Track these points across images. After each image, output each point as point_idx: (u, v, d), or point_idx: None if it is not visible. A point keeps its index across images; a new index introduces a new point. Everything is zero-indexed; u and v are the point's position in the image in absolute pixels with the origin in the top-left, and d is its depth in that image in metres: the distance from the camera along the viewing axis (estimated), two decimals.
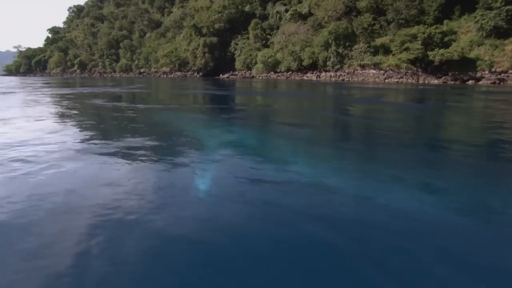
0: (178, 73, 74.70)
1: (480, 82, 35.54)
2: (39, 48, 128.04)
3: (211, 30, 67.50)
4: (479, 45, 37.79)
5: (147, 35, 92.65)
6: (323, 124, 11.46)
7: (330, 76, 46.81)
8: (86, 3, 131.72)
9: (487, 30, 37.44)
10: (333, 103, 19.74)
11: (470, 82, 36.03)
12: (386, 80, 40.74)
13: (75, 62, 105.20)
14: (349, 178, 5.35)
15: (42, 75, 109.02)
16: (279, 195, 4.42)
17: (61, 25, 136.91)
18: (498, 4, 36.70)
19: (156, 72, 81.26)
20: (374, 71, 42.59)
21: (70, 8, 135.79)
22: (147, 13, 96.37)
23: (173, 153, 6.72)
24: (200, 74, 69.00)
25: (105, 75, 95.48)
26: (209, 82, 43.56)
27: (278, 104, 19.23)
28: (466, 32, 39.87)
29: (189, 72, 72.40)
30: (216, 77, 63.36)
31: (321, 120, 12.39)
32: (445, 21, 41.20)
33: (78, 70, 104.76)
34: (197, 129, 9.98)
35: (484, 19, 37.63)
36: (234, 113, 14.60)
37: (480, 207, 4.17)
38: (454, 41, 38.84)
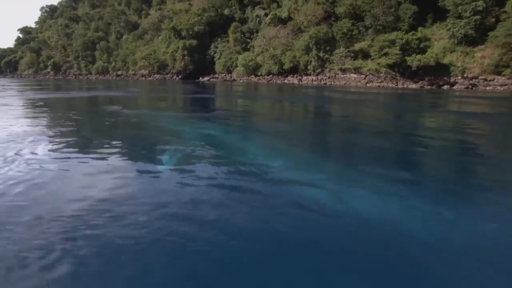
0: (157, 76, 71.87)
1: (454, 87, 36.13)
2: (9, 49, 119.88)
3: (191, 32, 65.43)
4: (451, 52, 38.46)
5: (124, 37, 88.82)
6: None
7: (312, 80, 46.22)
8: (59, 3, 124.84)
9: (458, 38, 38.17)
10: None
11: (445, 87, 36.55)
12: (368, 84, 40.68)
13: (49, 63, 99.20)
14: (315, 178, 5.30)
15: (12, 77, 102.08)
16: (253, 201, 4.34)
17: (33, 25, 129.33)
18: (467, 14, 37.46)
19: (134, 74, 77.87)
20: (355, 75, 42.43)
21: (42, 8, 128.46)
22: (124, 15, 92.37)
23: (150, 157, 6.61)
24: (180, 77, 66.78)
25: (80, 77, 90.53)
26: (192, 85, 41.90)
27: (274, 111, 18.23)
28: (439, 39, 40.54)
29: (168, 75, 69.90)
30: (196, 80, 61.51)
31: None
32: (419, 28, 41.70)
33: (51, 72, 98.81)
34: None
35: (455, 27, 38.34)
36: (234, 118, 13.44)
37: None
38: (429, 47, 39.35)
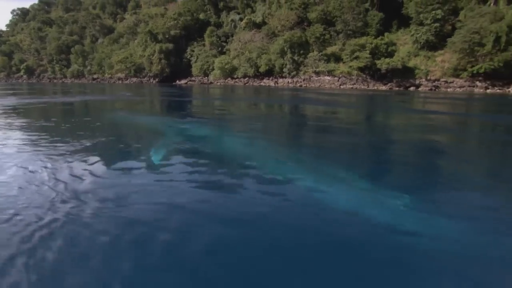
0: (134, 79, 68.47)
1: (419, 89, 36.62)
2: None
3: (167, 36, 62.80)
4: (415, 56, 39.03)
5: (99, 40, 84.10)
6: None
7: (288, 82, 45.42)
8: (31, 6, 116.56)
9: (421, 43, 38.83)
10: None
11: (411, 88, 36.99)
12: (341, 86, 40.42)
13: (22, 67, 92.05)
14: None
15: None
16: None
17: (4, 28, 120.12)
18: (428, 21, 38.17)
19: (111, 78, 73.82)
20: (329, 78, 42.05)
21: (13, 10, 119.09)
22: (99, 19, 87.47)
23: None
24: (157, 80, 63.94)
25: (55, 81, 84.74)
26: (173, 89, 39.79)
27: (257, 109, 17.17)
28: (404, 44, 41.05)
29: (145, 78, 66.75)
30: (173, 83, 59.14)
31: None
32: (386, 34, 42.03)
33: (25, 76, 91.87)
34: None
35: (418, 33, 38.97)
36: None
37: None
38: (395, 51, 39.76)
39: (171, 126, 10.31)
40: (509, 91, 33.32)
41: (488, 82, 34.34)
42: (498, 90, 33.74)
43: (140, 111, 16.42)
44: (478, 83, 34.87)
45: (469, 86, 35.09)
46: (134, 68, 67.72)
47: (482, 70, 33.57)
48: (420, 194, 4.43)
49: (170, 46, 61.39)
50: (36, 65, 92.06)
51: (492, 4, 38.08)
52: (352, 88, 39.38)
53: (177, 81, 60.57)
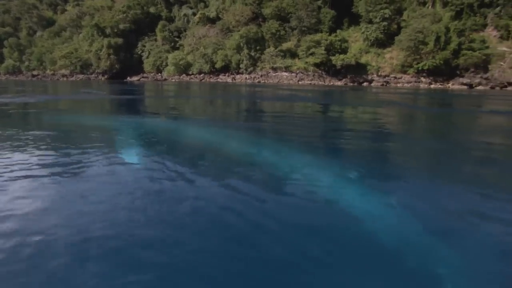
0: (80, 76, 61.03)
1: (372, 84, 36.81)
2: None
3: (115, 30, 56.73)
4: (366, 53, 39.14)
5: (38, 33, 73.98)
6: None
7: (246, 78, 43.09)
8: None
9: (371, 41, 39.02)
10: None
11: (365, 84, 37.04)
12: (300, 82, 39.21)
13: None
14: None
15: None
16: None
17: None
18: (377, 20, 38.42)
19: (54, 74, 65.21)
20: (286, 74, 40.60)
21: None
22: (36, 9, 76.98)
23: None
24: (106, 76, 57.78)
25: None
26: (128, 86, 35.45)
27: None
28: (355, 41, 41.04)
29: (93, 75, 59.93)
30: (125, 80, 53.72)
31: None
32: (338, 31, 41.67)
33: None
34: None
35: (368, 31, 39.09)
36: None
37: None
38: (348, 48, 39.56)
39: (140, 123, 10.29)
40: (448, 86, 34.73)
41: (431, 78, 35.45)
42: (439, 85, 35.00)
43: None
44: (423, 79, 35.87)
45: (415, 81, 35.97)
46: (80, 64, 60.48)
47: (426, 67, 34.49)
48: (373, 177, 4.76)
49: (120, 40, 55.73)
50: None
51: (430, 6, 39.42)
52: (310, 83, 38.42)
53: (129, 78, 55.30)
